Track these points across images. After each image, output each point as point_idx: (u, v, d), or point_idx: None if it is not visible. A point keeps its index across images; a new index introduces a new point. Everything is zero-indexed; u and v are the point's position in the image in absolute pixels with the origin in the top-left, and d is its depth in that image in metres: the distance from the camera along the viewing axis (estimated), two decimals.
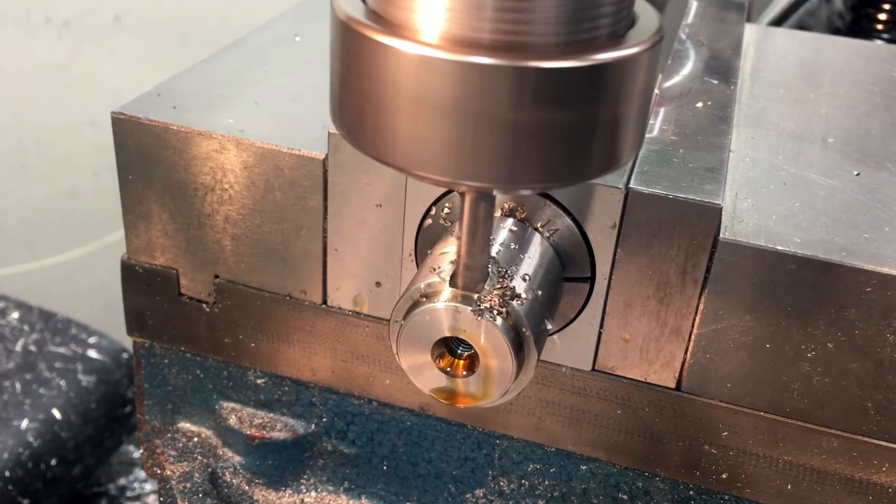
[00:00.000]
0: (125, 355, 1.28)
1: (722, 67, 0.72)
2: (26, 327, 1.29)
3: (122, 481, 1.32)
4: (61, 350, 1.25)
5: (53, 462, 1.13)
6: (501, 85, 0.36)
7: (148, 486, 1.32)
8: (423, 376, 0.50)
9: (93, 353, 1.25)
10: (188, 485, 0.70)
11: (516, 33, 0.36)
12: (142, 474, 1.33)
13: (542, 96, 0.36)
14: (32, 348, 1.25)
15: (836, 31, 1.12)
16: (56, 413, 1.15)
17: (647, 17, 0.41)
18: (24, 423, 1.12)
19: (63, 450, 1.15)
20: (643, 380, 0.58)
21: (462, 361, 0.50)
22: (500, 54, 0.36)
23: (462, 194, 0.44)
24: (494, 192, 0.45)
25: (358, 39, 0.38)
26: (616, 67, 0.38)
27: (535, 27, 0.36)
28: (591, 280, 0.56)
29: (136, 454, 1.36)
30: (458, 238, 0.46)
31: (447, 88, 0.36)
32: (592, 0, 0.37)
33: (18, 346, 1.25)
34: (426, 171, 0.39)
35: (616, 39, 0.39)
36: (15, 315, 1.31)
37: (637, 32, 0.40)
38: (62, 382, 1.19)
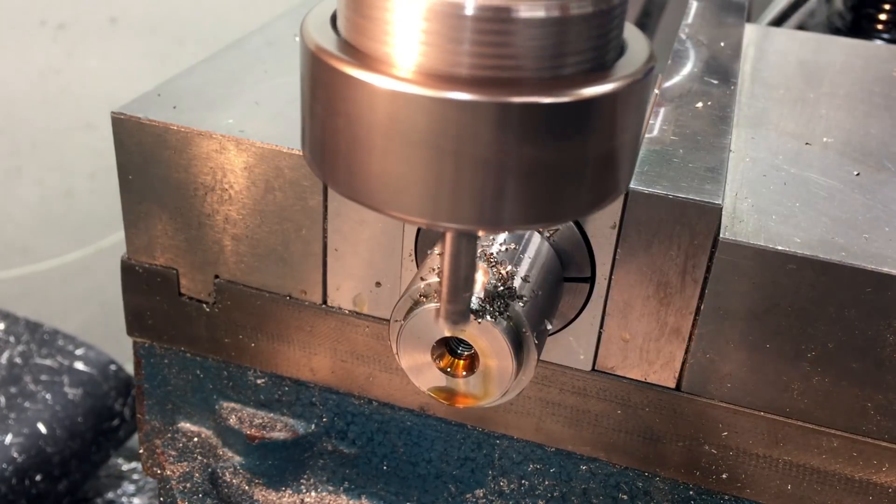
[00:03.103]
0: (113, 367, 1.25)
1: (722, 68, 0.72)
2: (12, 339, 1.27)
3: (109, 495, 1.30)
4: (47, 362, 1.23)
5: (38, 478, 1.11)
6: (482, 122, 0.34)
7: (136, 501, 1.30)
8: (423, 376, 0.50)
9: (80, 366, 1.23)
10: (188, 485, 0.70)
11: (498, 67, 0.34)
12: (130, 488, 1.31)
13: (527, 133, 0.34)
14: (18, 360, 1.23)
15: (836, 31, 1.12)
16: (41, 427, 1.13)
17: (636, 46, 0.39)
18: (8, 438, 1.10)
19: (48, 465, 1.12)
20: (643, 380, 0.58)
21: (462, 361, 0.50)
22: (481, 90, 0.33)
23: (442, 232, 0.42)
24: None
25: (328, 72, 0.36)
26: (604, 102, 0.36)
27: (517, 61, 0.34)
28: (591, 280, 0.56)
29: (125, 467, 1.34)
30: (439, 275, 0.44)
31: (424, 126, 0.34)
32: (578, 31, 0.35)
33: (3, 359, 1.23)
34: (403, 213, 0.37)
35: (604, 71, 0.37)
36: (0, 326, 1.30)
37: (626, 63, 0.38)
38: (48, 396, 1.17)
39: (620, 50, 0.39)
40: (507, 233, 0.53)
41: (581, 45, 0.35)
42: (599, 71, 0.37)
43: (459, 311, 0.45)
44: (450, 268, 0.42)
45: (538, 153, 0.35)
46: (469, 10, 0.33)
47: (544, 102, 0.34)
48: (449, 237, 0.41)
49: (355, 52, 0.36)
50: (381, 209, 0.37)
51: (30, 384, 1.19)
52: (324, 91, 0.37)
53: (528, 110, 0.34)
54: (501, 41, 0.34)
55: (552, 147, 0.35)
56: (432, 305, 0.48)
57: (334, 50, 0.36)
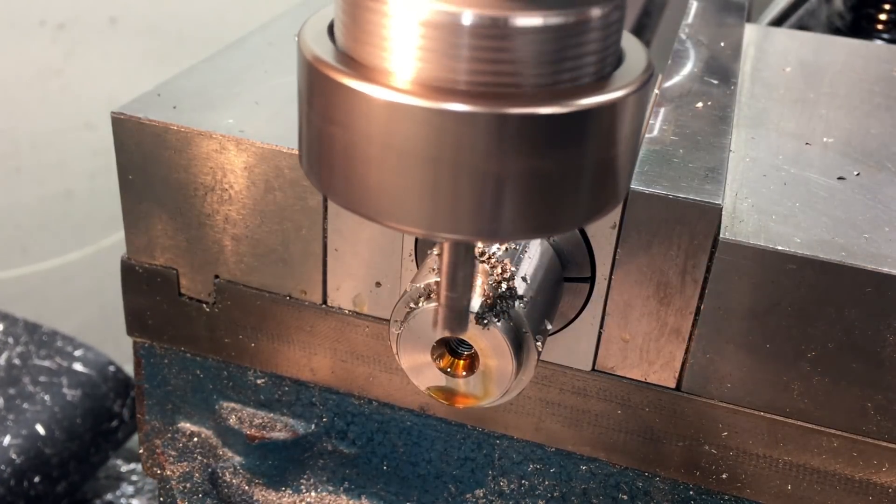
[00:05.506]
0: (111, 368, 1.25)
1: (722, 68, 0.72)
2: (10, 340, 1.27)
3: (108, 496, 1.30)
4: (46, 363, 1.22)
5: (37, 479, 1.10)
6: (480, 133, 0.33)
7: (135, 502, 1.29)
8: (423, 376, 0.50)
9: (78, 367, 1.23)
10: (188, 485, 0.70)
11: (495, 75, 0.33)
12: (129, 489, 1.31)
13: (525, 144, 0.34)
14: (16, 361, 1.22)
15: (836, 31, 1.13)
16: (40, 429, 1.13)
17: (634, 55, 0.39)
18: (7, 440, 1.10)
19: (47, 466, 1.12)
20: (643, 380, 0.58)
21: (462, 361, 0.50)
22: (479, 101, 0.33)
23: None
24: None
25: (324, 82, 0.35)
26: (602, 112, 0.35)
27: (515, 71, 0.34)
28: (591, 280, 0.56)
29: (124, 468, 1.34)
30: (437, 282, 0.44)
31: (421, 137, 0.34)
32: (575, 41, 0.34)
33: (2, 360, 1.23)
34: (400, 224, 0.36)
35: (602, 81, 0.36)
36: None
37: (624, 72, 0.37)
38: (46, 397, 1.17)
39: (618, 59, 0.38)
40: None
41: (578, 55, 0.35)
42: (597, 81, 0.36)
43: (457, 319, 0.44)
44: (448, 276, 0.42)
45: (536, 164, 0.34)
46: (466, 22, 0.33)
47: (542, 113, 0.33)
48: (447, 247, 0.41)
49: (352, 63, 0.35)
50: (379, 220, 0.36)
51: (28, 385, 1.18)
52: (321, 101, 0.36)
53: (525, 121, 0.33)
54: (499, 52, 0.33)
55: (550, 158, 0.34)
56: (432, 305, 0.48)
57: (331, 60, 0.35)
